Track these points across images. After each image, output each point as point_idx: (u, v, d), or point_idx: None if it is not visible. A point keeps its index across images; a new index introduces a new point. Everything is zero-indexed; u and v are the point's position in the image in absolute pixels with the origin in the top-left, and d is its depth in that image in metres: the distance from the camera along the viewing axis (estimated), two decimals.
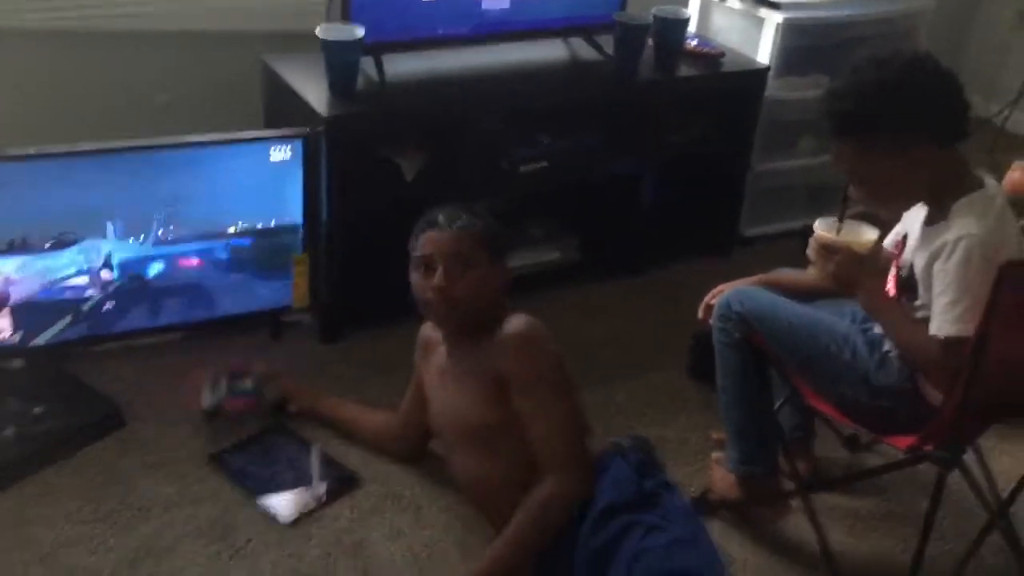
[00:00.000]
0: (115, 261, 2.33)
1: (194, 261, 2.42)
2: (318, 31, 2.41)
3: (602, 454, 1.85)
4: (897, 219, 1.94)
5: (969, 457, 2.05)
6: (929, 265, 1.75)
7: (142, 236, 2.33)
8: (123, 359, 2.44)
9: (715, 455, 2.18)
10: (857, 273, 1.80)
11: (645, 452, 2.24)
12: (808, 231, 1.98)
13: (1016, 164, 2.41)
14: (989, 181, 1.79)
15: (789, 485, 2.05)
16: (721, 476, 2.11)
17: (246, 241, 2.44)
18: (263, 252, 2.47)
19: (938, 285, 1.72)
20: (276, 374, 2.32)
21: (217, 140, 2.35)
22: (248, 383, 2.26)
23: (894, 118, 1.71)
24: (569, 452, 1.80)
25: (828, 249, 1.81)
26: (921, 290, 1.80)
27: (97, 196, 2.24)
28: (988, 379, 1.57)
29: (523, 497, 1.79)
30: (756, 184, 3.14)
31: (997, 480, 2.11)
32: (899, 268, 1.88)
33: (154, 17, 2.61)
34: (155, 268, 2.39)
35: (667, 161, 2.91)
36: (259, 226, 2.43)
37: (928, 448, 1.69)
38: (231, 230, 2.41)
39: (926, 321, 1.75)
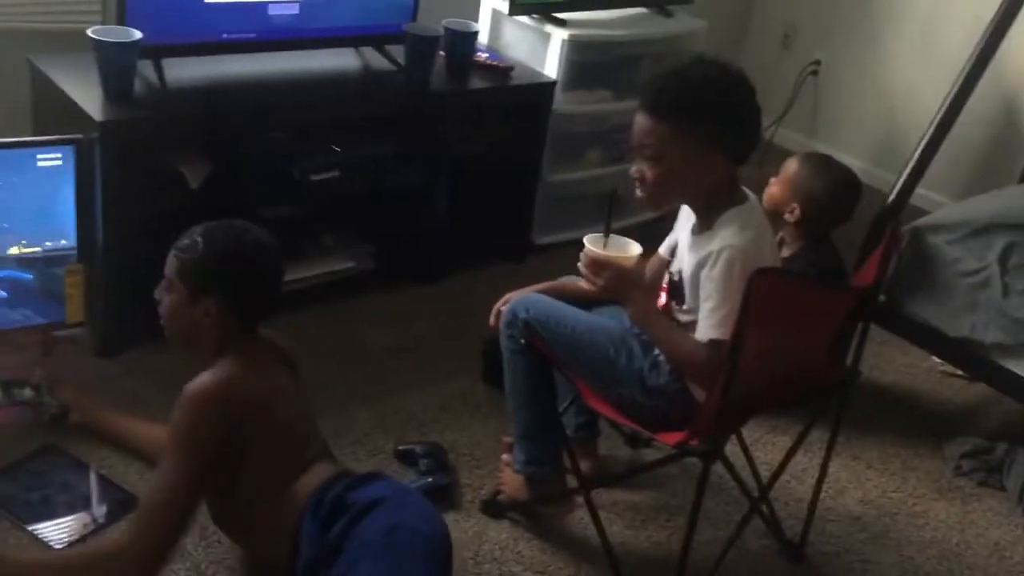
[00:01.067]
0: None
1: None
2: (91, 31, 2.29)
3: (296, 520, 1.72)
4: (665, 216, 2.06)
5: (736, 450, 2.23)
6: (696, 272, 1.87)
7: None
8: None
9: (504, 457, 2.24)
10: (625, 286, 1.90)
11: (436, 457, 2.29)
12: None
13: (773, 180, 2.61)
14: (751, 196, 1.93)
15: (574, 483, 2.13)
16: (510, 478, 2.17)
17: (27, 275, 2.31)
18: (47, 281, 2.34)
19: (703, 292, 1.84)
20: (58, 381, 2.19)
21: None
22: (27, 391, 2.13)
23: (719, 118, 1.81)
24: (146, 523, 1.67)
25: (598, 264, 1.89)
26: (688, 295, 1.92)
27: None
28: (743, 377, 1.69)
29: (247, 528, 1.80)
30: (547, 194, 3.25)
31: (760, 469, 2.27)
32: (671, 274, 2.00)
33: None
34: None
35: (459, 170, 2.96)
36: (40, 253, 2.30)
37: (693, 444, 1.80)
38: (11, 251, 2.27)
39: (692, 325, 1.87)
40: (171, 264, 1.78)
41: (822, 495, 2.22)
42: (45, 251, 2.33)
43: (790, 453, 2.10)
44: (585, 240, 1.93)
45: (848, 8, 4.19)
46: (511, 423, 2.13)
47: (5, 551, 1.81)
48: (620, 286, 1.90)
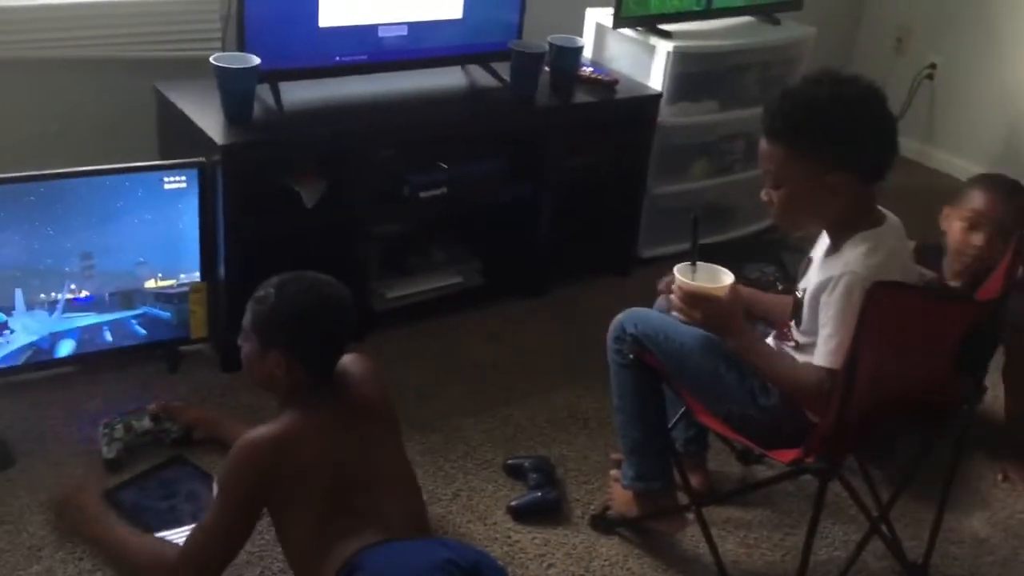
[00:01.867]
0: (18, 346, 2.33)
1: (107, 336, 2.44)
2: (212, 59, 2.40)
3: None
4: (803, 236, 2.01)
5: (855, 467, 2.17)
6: (816, 295, 1.81)
7: (52, 297, 2.32)
8: (10, 394, 2.37)
9: (613, 472, 2.23)
10: (723, 320, 1.85)
11: (545, 471, 2.30)
12: (704, 252, 2.00)
13: (953, 211, 2.44)
14: (890, 218, 1.85)
15: (685, 500, 2.11)
16: (619, 493, 2.16)
17: (165, 314, 2.47)
18: (182, 316, 2.50)
19: (822, 317, 1.78)
20: (173, 406, 2.28)
21: (110, 170, 2.32)
22: (145, 421, 2.23)
23: (834, 139, 1.75)
24: (185, 555, 1.74)
25: (692, 297, 1.84)
26: (805, 316, 1.86)
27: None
28: (860, 395, 1.65)
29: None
30: (652, 206, 3.23)
31: (880, 489, 2.20)
32: (796, 292, 1.95)
33: (45, 44, 2.55)
34: (65, 347, 2.41)
35: (565, 184, 2.98)
36: (175, 287, 2.45)
37: (808, 461, 1.76)
38: (148, 285, 2.41)
39: (807, 347, 1.83)
40: (247, 315, 1.82)
41: (946, 516, 2.14)
42: (180, 284, 2.47)
43: (912, 471, 2.03)
44: (676, 271, 1.88)
45: (963, 8, 4.04)
46: (619, 438, 2.12)
47: (103, 518, 1.92)
48: (717, 321, 1.86)
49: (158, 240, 2.41)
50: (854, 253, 1.78)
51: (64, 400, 2.36)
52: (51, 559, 1.96)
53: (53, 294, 2.34)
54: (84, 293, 2.37)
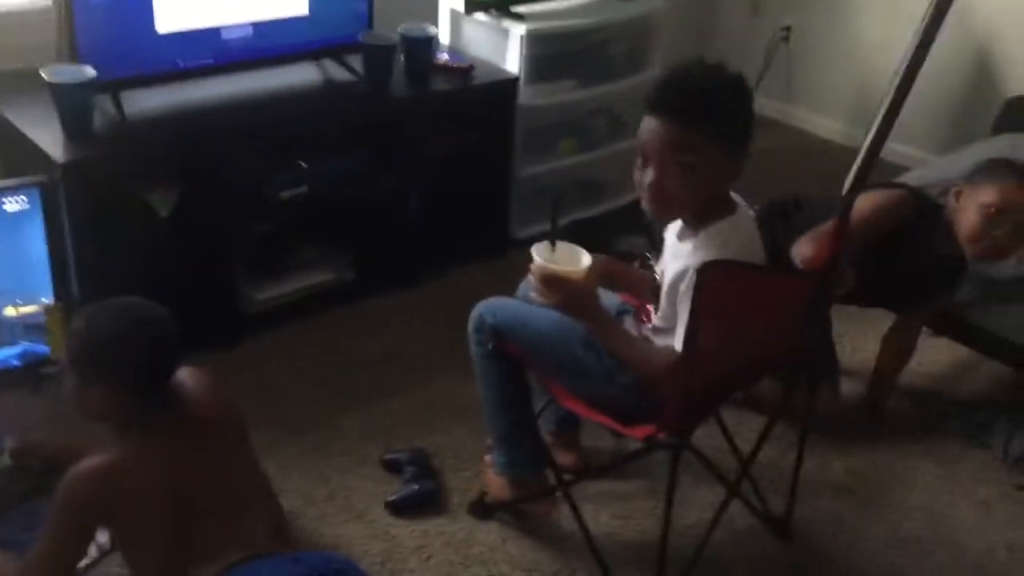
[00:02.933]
0: None
1: None
2: (43, 72, 2.32)
3: None
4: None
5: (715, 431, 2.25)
6: (675, 284, 1.82)
7: None
8: None
9: (487, 458, 2.27)
10: (580, 304, 1.87)
11: (421, 463, 2.32)
12: (575, 227, 2.01)
13: (962, 195, 2.38)
14: (741, 204, 1.86)
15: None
16: (492, 479, 2.20)
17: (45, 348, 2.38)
18: None
19: (680, 307, 1.80)
20: (32, 442, 2.20)
21: None
22: (5, 457, 2.16)
23: (729, 120, 1.75)
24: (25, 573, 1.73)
25: (549, 280, 1.84)
26: (663, 302, 1.89)
27: None
28: (705, 368, 1.71)
29: None
30: (522, 187, 3.26)
31: (742, 448, 2.29)
32: (655, 274, 1.98)
33: None
34: None
35: (430, 173, 2.98)
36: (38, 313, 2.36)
37: (661, 437, 1.83)
38: (7, 312, 2.32)
39: (663, 332, 1.88)
40: (64, 350, 1.76)
41: (808, 468, 2.23)
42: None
43: (766, 431, 2.11)
44: (533, 251, 1.87)
45: None
46: (488, 427, 2.16)
47: None
48: (574, 304, 1.86)
49: (8, 265, 2.32)
50: (711, 244, 1.77)
51: None
52: None
53: None
54: None
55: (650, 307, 1.99)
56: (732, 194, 1.87)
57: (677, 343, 1.81)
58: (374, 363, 2.72)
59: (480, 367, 2.10)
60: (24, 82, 2.51)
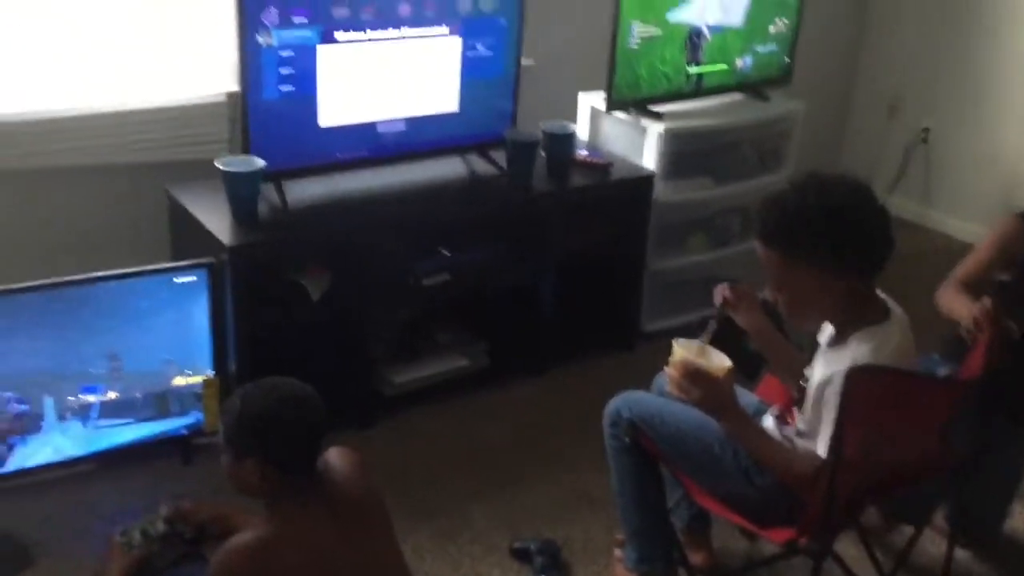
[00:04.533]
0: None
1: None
2: (218, 163, 2.51)
3: None
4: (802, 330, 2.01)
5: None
6: (821, 387, 1.83)
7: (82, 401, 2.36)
8: (28, 494, 2.42)
9: (617, 553, 2.26)
10: (720, 402, 1.87)
11: (550, 553, 2.33)
12: (703, 323, 2.02)
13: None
14: (896, 312, 1.86)
15: None
16: (623, 574, 2.19)
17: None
18: None
19: (826, 410, 1.80)
20: (185, 508, 2.31)
21: (121, 274, 2.39)
22: (160, 525, 2.27)
23: (825, 245, 1.76)
24: None
25: (692, 374, 1.85)
26: (808, 406, 1.89)
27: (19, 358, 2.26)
28: (849, 474, 1.69)
29: None
30: (653, 282, 3.30)
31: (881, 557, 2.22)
32: (802, 380, 1.97)
33: (58, 153, 2.67)
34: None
35: (565, 265, 3.05)
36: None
37: (802, 542, 1.80)
38: (177, 381, 2.47)
39: (805, 435, 1.87)
40: (219, 426, 1.84)
41: None
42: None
43: (911, 541, 2.05)
44: (675, 344, 1.89)
45: (953, 74, 4.13)
46: (620, 522, 2.16)
47: None
48: (714, 402, 1.87)
49: (177, 337, 2.47)
50: (860, 350, 1.78)
51: (80, 498, 2.41)
52: None
53: (83, 397, 2.37)
54: (112, 395, 2.40)
55: (795, 410, 1.98)
56: (887, 300, 1.86)
57: (821, 448, 1.79)
58: (503, 451, 2.76)
59: (615, 461, 2.12)
60: (197, 170, 2.71)
